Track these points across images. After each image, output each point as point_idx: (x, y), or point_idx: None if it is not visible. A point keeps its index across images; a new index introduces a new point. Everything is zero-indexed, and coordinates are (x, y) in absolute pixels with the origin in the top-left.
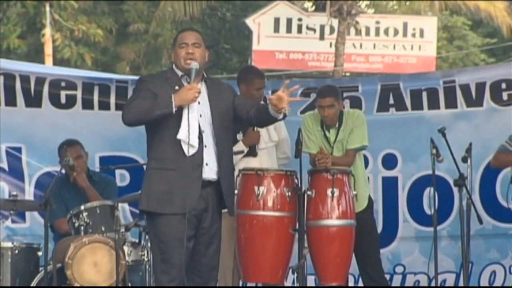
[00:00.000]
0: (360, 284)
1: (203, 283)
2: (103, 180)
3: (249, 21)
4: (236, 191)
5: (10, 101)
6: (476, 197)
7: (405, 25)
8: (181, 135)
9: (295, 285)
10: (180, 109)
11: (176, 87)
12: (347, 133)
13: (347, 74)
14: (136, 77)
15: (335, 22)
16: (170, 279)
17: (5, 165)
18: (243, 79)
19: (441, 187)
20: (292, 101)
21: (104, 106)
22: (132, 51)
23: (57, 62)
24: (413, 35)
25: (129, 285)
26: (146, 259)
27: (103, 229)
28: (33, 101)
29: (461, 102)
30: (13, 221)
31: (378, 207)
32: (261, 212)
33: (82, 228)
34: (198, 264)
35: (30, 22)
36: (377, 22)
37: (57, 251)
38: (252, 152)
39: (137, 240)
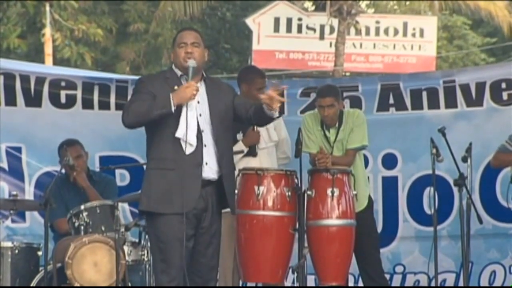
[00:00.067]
0: (360, 284)
1: (203, 283)
2: (103, 180)
3: (249, 21)
4: (236, 191)
5: (10, 101)
6: (476, 197)
7: (405, 25)
8: (179, 133)
9: (295, 285)
10: (179, 108)
11: (176, 87)
12: (347, 132)
13: (347, 74)
14: (136, 77)
15: (335, 22)
16: (170, 279)
17: (5, 165)
18: (244, 78)
19: (441, 187)
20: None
21: (104, 106)
22: (132, 51)
23: (57, 61)
24: (413, 35)
25: (129, 285)
26: (146, 259)
27: (103, 229)
28: (33, 101)
29: (461, 102)
30: (13, 221)
31: (378, 207)
32: (261, 212)
33: (82, 227)
34: (198, 264)
35: (30, 22)
36: (377, 22)
37: (57, 251)
38: (252, 152)
39: (137, 240)
